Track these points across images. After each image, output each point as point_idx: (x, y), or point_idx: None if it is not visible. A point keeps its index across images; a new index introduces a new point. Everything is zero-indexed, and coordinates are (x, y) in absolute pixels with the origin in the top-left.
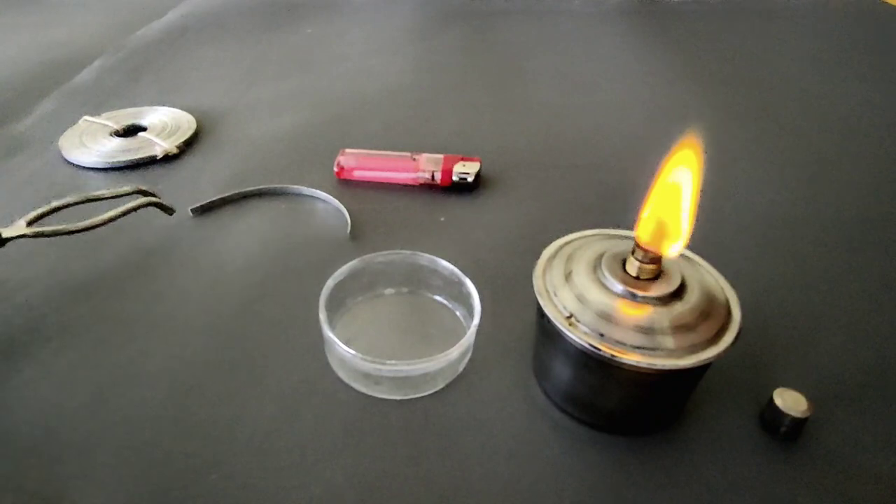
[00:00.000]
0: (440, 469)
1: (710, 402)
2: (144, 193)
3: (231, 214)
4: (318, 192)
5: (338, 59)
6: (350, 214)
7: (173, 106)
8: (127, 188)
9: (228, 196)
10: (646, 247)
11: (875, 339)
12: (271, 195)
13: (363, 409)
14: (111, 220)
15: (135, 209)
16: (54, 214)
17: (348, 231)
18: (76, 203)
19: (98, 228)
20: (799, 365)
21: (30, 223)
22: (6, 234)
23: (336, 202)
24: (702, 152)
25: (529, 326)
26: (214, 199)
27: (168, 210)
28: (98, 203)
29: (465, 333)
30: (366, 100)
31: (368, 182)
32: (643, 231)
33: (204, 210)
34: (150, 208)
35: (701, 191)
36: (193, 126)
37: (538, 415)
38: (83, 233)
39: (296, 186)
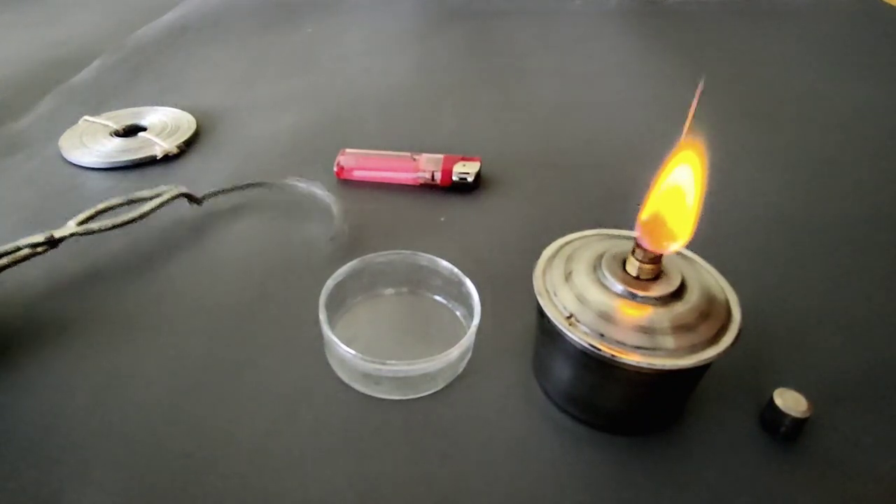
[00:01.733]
0: (440, 469)
1: (710, 402)
2: (177, 188)
3: (230, 215)
4: (312, 186)
5: (338, 58)
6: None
7: (173, 106)
8: (164, 187)
9: (223, 189)
10: (647, 247)
11: (875, 340)
12: (266, 187)
13: (363, 409)
14: (148, 213)
15: (168, 201)
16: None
17: (333, 233)
18: (119, 205)
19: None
20: (799, 365)
21: (80, 223)
22: (58, 234)
23: (326, 198)
24: (705, 152)
25: (529, 326)
26: (207, 192)
27: (197, 200)
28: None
29: (465, 333)
30: (366, 100)
31: (368, 182)
32: (644, 231)
33: (203, 200)
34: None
35: (704, 193)
36: (193, 126)
37: (538, 415)
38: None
39: (292, 181)
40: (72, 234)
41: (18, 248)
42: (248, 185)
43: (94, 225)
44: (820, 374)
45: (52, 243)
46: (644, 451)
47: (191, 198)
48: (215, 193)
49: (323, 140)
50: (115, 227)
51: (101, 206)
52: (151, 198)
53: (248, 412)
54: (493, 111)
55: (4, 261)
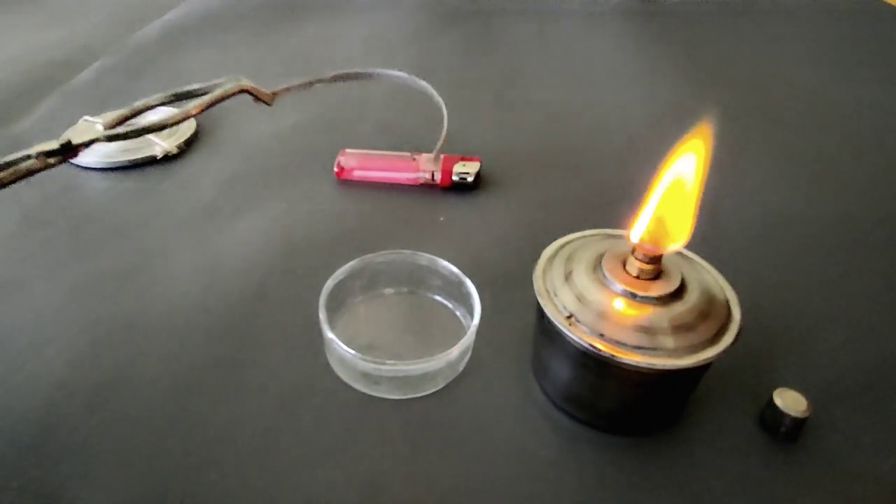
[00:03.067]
0: (440, 469)
1: (710, 402)
2: (238, 80)
3: (230, 215)
4: (401, 74)
5: (338, 59)
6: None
7: (173, 106)
8: (222, 78)
9: (305, 82)
10: (641, 246)
11: (875, 339)
12: (362, 77)
13: (363, 409)
14: (204, 108)
15: (228, 96)
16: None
17: (444, 124)
18: (161, 104)
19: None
20: (799, 365)
21: (108, 126)
22: (77, 139)
23: (424, 84)
24: (710, 144)
25: (529, 326)
26: (291, 85)
27: (264, 100)
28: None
29: (465, 333)
30: (366, 100)
31: (368, 182)
32: (640, 230)
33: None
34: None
35: (703, 188)
36: (193, 126)
37: (538, 415)
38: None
39: (391, 72)
40: (93, 141)
41: (27, 157)
42: (342, 77)
43: (122, 130)
44: (820, 374)
45: (67, 151)
46: (644, 451)
47: (256, 94)
48: (287, 89)
49: (323, 140)
50: (148, 130)
51: (137, 105)
52: (203, 93)
53: (248, 412)
54: (493, 111)
55: (5, 175)
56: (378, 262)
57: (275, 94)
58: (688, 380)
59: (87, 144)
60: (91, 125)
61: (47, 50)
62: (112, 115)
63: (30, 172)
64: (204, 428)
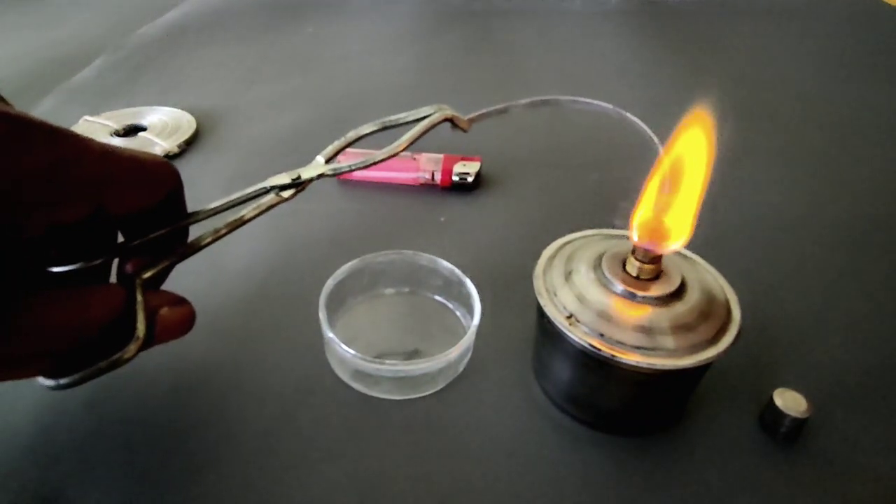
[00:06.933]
0: (440, 469)
1: (710, 402)
2: (442, 110)
3: (230, 214)
4: (606, 105)
5: (338, 59)
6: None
7: (173, 106)
8: (427, 108)
9: (499, 108)
10: (640, 246)
11: (875, 340)
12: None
13: (363, 409)
14: (412, 141)
15: (434, 126)
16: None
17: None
18: (373, 132)
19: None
20: (799, 365)
21: (328, 160)
22: (306, 174)
23: (630, 117)
24: (712, 144)
25: (529, 326)
26: (486, 111)
27: (462, 127)
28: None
29: (465, 333)
30: (366, 100)
31: (368, 182)
32: (642, 231)
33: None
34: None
35: (704, 188)
36: (193, 126)
37: (538, 415)
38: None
39: (579, 98)
40: (320, 175)
41: (265, 191)
42: (539, 104)
43: (343, 165)
44: (820, 374)
45: (298, 185)
46: (644, 451)
47: (456, 122)
48: (481, 115)
49: (323, 140)
50: (370, 164)
51: (351, 136)
52: (413, 121)
53: (249, 412)
54: None
55: (249, 211)
56: (378, 262)
57: (471, 121)
58: (688, 380)
59: (315, 179)
60: (316, 162)
61: (47, 48)
62: (330, 148)
63: (270, 207)
64: (204, 428)
